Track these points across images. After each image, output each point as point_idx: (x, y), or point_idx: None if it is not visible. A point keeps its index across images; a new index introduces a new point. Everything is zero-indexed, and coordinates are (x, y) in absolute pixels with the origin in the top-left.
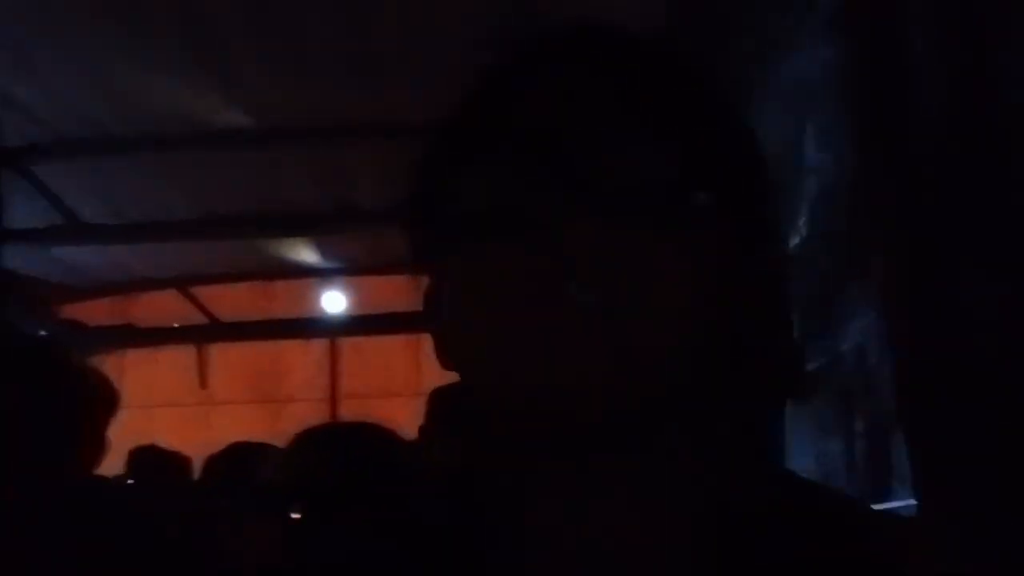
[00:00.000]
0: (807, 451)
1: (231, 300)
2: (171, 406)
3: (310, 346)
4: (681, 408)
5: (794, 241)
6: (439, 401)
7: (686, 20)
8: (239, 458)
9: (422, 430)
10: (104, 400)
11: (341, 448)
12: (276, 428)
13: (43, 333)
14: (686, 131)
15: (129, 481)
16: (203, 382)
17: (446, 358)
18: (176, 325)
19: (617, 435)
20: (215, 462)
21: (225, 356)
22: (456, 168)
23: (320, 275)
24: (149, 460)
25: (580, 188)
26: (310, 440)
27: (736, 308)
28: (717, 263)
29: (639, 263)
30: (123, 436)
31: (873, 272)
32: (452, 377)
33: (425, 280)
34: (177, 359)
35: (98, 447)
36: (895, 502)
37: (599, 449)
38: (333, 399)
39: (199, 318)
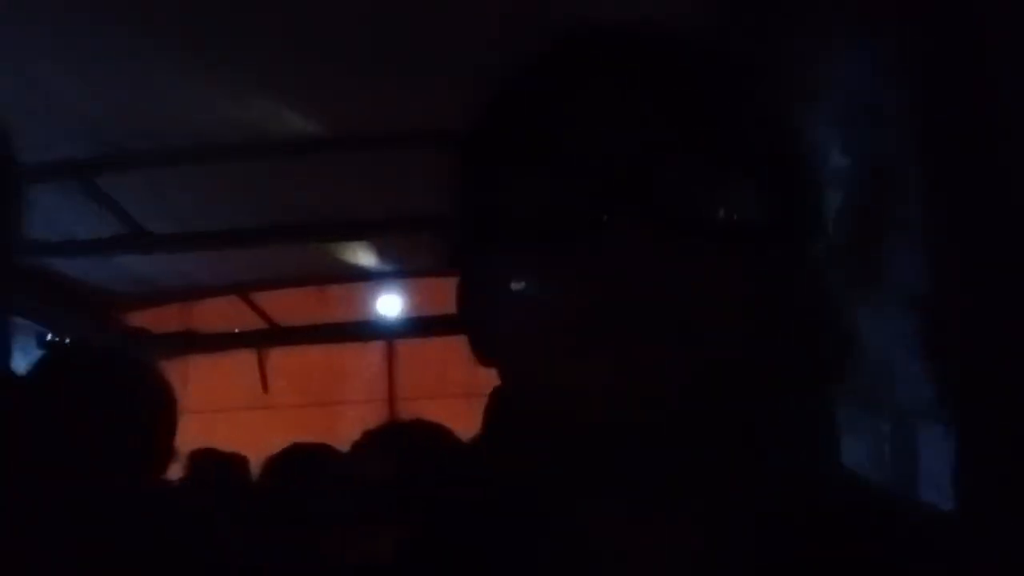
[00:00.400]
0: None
1: (289, 305)
2: (234, 411)
3: (367, 349)
4: (724, 419)
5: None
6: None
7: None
8: (300, 459)
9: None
10: (169, 407)
11: (414, 445)
12: (335, 430)
13: (110, 342)
14: (740, 146)
15: (186, 483)
16: (264, 386)
17: (485, 356)
18: (236, 331)
19: (654, 445)
20: (275, 463)
21: (285, 361)
22: (508, 171)
23: (376, 278)
24: (207, 462)
25: (632, 197)
26: (385, 438)
27: (780, 322)
28: (763, 277)
29: (687, 276)
30: (187, 441)
31: (891, 273)
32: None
33: (461, 281)
34: (239, 365)
35: (166, 453)
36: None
37: (639, 460)
38: (391, 401)
39: (259, 324)
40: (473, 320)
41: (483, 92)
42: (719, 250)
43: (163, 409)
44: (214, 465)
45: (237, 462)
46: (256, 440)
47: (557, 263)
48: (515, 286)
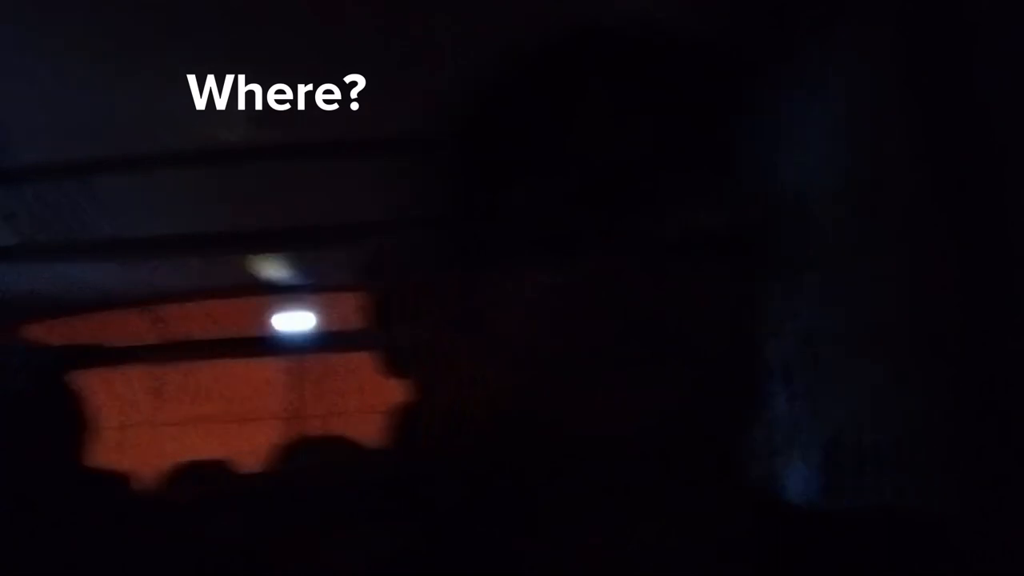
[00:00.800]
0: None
1: (194, 318)
2: (132, 426)
3: (275, 365)
4: (693, 437)
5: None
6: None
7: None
8: (196, 476)
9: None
10: (80, 422)
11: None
12: (241, 448)
13: (7, 354)
14: (725, 169)
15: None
16: (161, 403)
17: (403, 370)
18: (138, 344)
19: (626, 465)
20: (170, 479)
21: (188, 376)
22: (495, 184)
23: (287, 292)
24: (106, 478)
25: (620, 210)
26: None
27: (747, 338)
28: (737, 297)
29: (668, 299)
30: (92, 457)
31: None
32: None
33: (382, 295)
34: (138, 379)
35: (74, 469)
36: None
37: (609, 478)
38: (298, 418)
39: (162, 337)
40: (396, 336)
41: (457, 99)
42: (702, 263)
43: (74, 424)
44: (113, 481)
45: (130, 481)
46: (154, 457)
47: (542, 279)
48: (499, 302)
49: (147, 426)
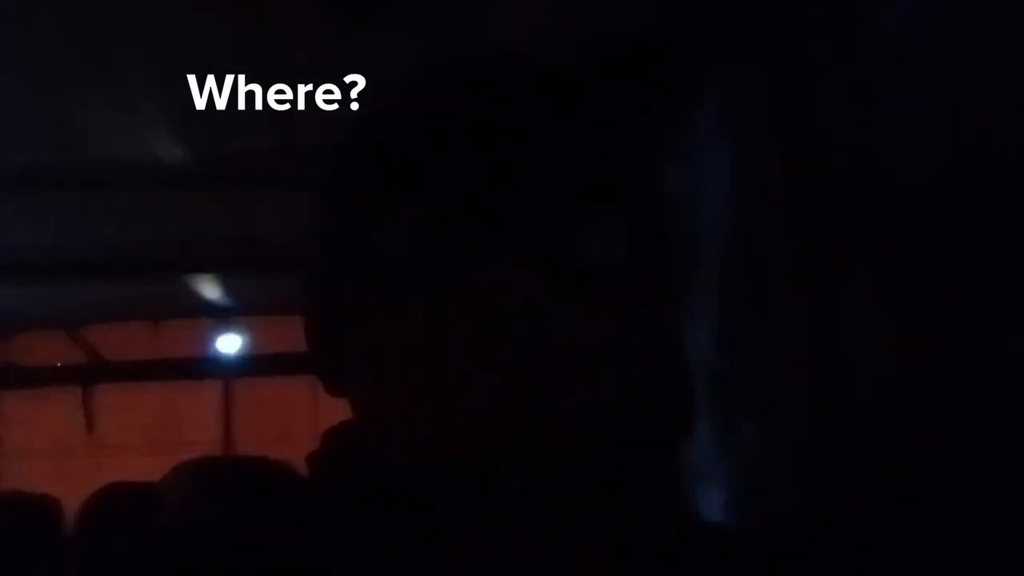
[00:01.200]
0: None
1: (121, 341)
2: (56, 451)
3: (205, 390)
4: (593, 460)
5: None
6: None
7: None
8: (120, 500)
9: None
10: None
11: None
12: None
13: None
14: (615, 189)
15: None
16: (90, 426)
17: (336, 389)
18: (60, 365)
19: (526, 488)
20: (93, 505)
21: (116, 400)
22: (377, 210)
23: (216, 315)
24: (19, 506)
25: (506, 237)
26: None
27: (646, 362)
28: (633, 320)
29: (561, 319)
30: (4, 484)
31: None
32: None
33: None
34: (63, 403)
35: None
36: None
37: (509, 502)
38: (228, 444)
39: (86, 359)
40: (331, 354)
41: (349, 126)
42: (591, 289)
43: None
44: (27, 510)
45: (51, 506)
46: (80, 485)
47: (426, 302)
48: (384, 326)
49: (68, 452)
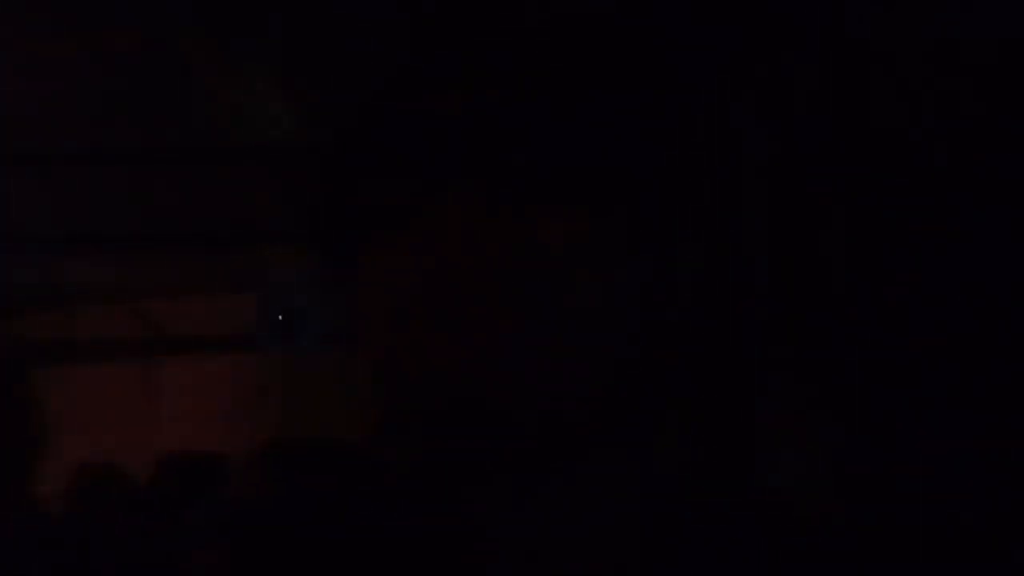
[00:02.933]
0: None
1: (183, 315)
2: (118, 424)
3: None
4: (596, 410)
5: None
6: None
7: None
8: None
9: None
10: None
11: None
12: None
13: None
14: (587, 113)
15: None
16: (151, 399)
17: None
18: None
19: (510, 427)
20: (160, 476)
21: (178, 373)
22: (352, 171)
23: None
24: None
25: (475, 179)
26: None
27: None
28: (612, 261)
29: (539, 261)
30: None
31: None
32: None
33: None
34: (126, 376)
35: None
36: None
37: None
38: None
39: (149, 333)
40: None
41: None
42: (565, 223)
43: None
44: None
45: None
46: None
47: (411, 253)
48: (361, 272)
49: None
